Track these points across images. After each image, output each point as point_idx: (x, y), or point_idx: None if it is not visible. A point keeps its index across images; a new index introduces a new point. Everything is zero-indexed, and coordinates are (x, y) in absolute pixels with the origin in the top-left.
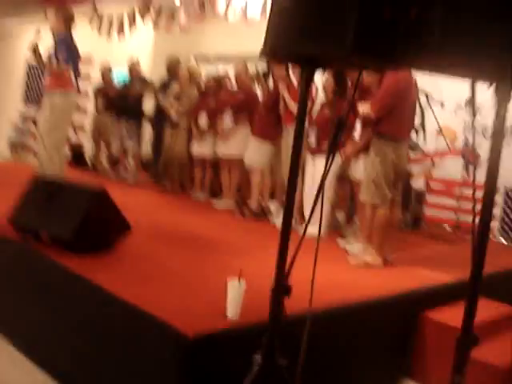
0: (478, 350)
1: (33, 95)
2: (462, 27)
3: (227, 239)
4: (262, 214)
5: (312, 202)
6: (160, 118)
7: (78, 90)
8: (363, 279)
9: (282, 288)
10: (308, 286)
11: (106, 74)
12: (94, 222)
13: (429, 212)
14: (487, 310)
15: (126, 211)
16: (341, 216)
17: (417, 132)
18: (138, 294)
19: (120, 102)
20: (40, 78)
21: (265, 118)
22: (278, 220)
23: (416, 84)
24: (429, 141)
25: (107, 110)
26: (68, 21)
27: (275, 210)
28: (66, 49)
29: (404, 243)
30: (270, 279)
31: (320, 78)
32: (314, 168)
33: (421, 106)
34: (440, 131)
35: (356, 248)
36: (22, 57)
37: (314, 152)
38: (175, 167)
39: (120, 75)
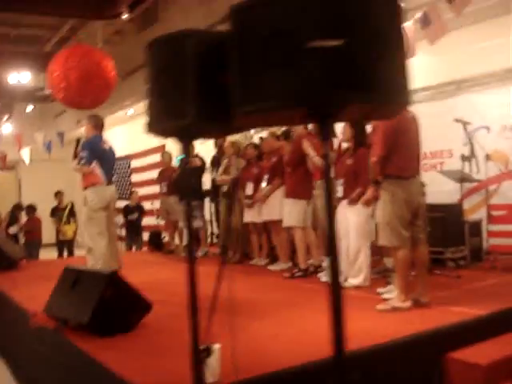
0: None
1: (121, 186)
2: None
3: (258, 301)
4: (312, 272)
5: (346, 250)
6: (216, 194)
7: (109, 183)
8: (382, 325)
9: (197, 353)
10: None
11: (166, 157)
12: (109, 304)
13: (495, 242)
14: None
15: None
16: (389, 262)
17: (469, 161)
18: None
19: (181, 182)
20: (125, 171)
21: (293, 177)
22: (324, 277)
23: (415, 118)
24: (481, 169)
25: (171, 192)
26: (99, 126)
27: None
28: (90, 150)
29: (456, 281)
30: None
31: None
32: (346, 217)
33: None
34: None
35: (389, 294)
36: None
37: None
38: (235, 237)
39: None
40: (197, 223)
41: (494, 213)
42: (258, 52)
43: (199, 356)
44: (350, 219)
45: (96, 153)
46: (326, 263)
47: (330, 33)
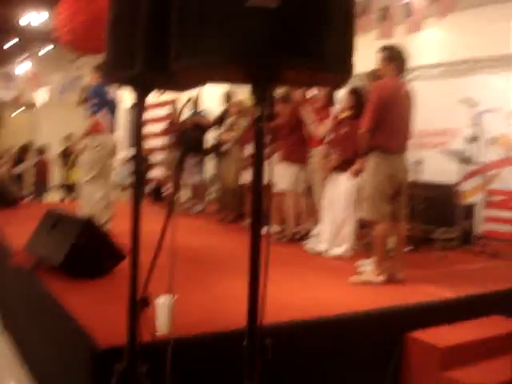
0: None
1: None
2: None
3: (235, 260)
4: (298, 239)
5: (331, 219)
6: (218, 151)
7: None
8: (350, 296)
9: (135, 301)
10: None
11: (176, 110)
12: (82, 249)
13: (491, 227)
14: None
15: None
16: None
17: (473, 143)
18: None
19: (182, 136)
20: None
21: (288, 141)
22: (308, 245)
23: (409, 94)
24: (483, 152)
25: (177, 145)
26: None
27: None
28: (99, 98)
29: (440, 261)
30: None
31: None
32: (335, 186)
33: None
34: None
35: (368, 266)
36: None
37: (336, 170)
38: (229, 196)
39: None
40: (195, 178)
41: (493, 198)
42: (198, 5)
43: (135, 307)
44: (339, 188)
45: (104, 101)
46: (314, 231)
47: None
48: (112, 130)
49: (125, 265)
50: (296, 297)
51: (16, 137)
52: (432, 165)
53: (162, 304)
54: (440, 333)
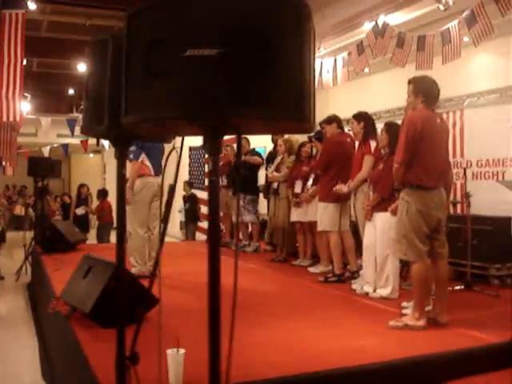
0: None
1: (196, 176)
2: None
3: (273, 303)
4: (348, 278)
5: (373, 259)
6: (268, 190)
7: (157, 174)
8: (387, 343)
9: (123, 360)
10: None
11: (229, 150)
12: (112, 296)
13: None
14: None
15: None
16: None
17: None
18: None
19: (233, 176)
20: (200, 161)
21: (322, 179)
22: (355, 285)
23: (442, 124)
24: None
25: (230, 185)
26: None
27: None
28: (136, 144)
29: (492, 301)
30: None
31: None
32: (374, 225)
33: None
34: None
35: (409, 309)
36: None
37: (375, 208)
38: (281, 235)
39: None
40: (250, 217)
41: None
42: (142, 61)
43: (123, 363)
44: (377, 227)
45: (142, 146)
46: (362, 270)
47: (209, 41)
48: (156, 172)
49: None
50: (334, 344)
51: (88, 179)
52: (486, 196)
53: (172, 356)
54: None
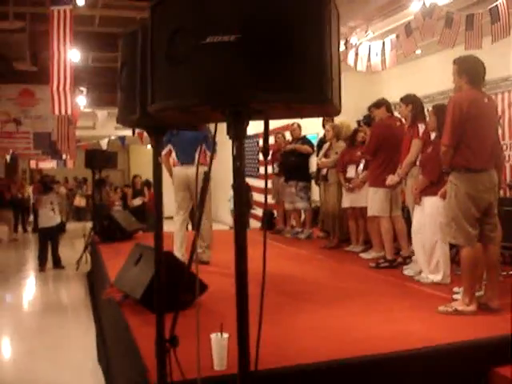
0: None
1: (249, 164)
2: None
3: (325, 288)
4: (399, 263)
5: (422, 245)
6: (318, 176)
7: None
8: (435, 329)
9: (163, 343)
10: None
11: (281, 138)
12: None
13: None
14: None
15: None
16: None
17: None
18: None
19: (286, 164)
20: (254, 149)
21: (372, 164)
22: (407, 270)
23: (492, 103)
24: None
25: (280, 173)
26: None
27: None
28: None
29: None
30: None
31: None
32: (423, 210)
33: None
34: None
35: (460, 294)
36: None
37: (424, 192)
38: (332, 221)
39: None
40: (302, 204)
41: None
42: (165, 48)
43: (163, 347)
44: (425, 212)
45: (166, 137)
46: (414, 256)
47: (228, 28)
48: (184, 161)
49: (206, 297)
50: (382, 329)
51: (147, 170)
52: None
53: (215, 340)
54: None
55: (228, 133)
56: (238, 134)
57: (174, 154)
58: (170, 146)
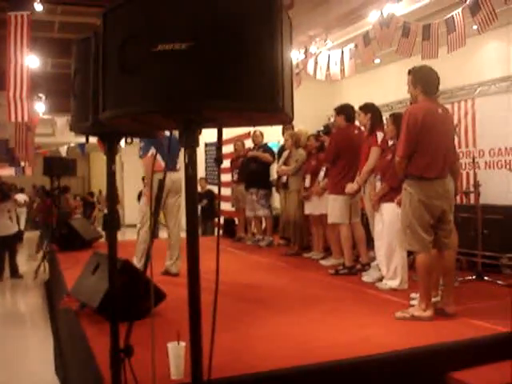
0: None
1: (212, 172)
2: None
3: (283, 296)
4: (358, 270)
5: (383, 251)
6: (278, 184)
7: (171, 169)
8: (392, 334)
9: (117, 352)
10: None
11: (239, 145)
12: (119, 292)
13: None
14: None
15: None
16: None
17: None
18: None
19: (246, 171)
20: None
21: (332, 172)
22: (366, 277)
23: (444, 114)
24: None
25: (241, 181)
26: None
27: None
28: (146, 140)
29: (504, 291)
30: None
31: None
32: (382, 216)
33: None
34: None
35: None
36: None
37: (383, 199)
38: (292, 228)
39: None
40: (263, 212)
41: None
42: (116, 56)
43: (118, 357)
44: (384, 218)
45: (152, 141)
46: (372, 262)
47: (178, 36)
48: (170, 167)
49: (164, 306)
50: (340, 335)
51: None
52: (499, 186)
53: (172, 349)
54: (485, 373)
55: (180, 141)
56: (190, 142)
57: (159, 159)
58: (153, 150)
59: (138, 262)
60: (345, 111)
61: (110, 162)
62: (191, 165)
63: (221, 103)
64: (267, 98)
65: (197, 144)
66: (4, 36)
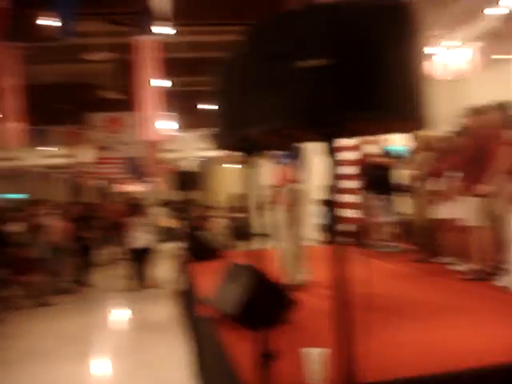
0: None
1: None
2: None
3: (416, 301)
4: (491, 274)
5: None
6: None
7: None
8: None
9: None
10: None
11: (363, 154)
12: (253, 300)
13: None
14: None
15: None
16: None
17: None
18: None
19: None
20: None
21: (466, 173)
22: (498, 282)
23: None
24: None
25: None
26: None
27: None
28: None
29: None
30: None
31: None
32: None
33: None
34: None
35: None
36: None
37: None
38: (420, 234)
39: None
40: (388, 218)
41: None
42: (255, 74)
43: (263, 361)
44: None
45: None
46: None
47: (320, 53)
48: (299, 178)
49: (298, 314)
50: (478, 342)
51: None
52: None
53: (309, 356)
54: None
55: (321, 151)
56: (331, 152)
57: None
58: (285, 160)
59: (287, 272)
60: (476, 112)
61: (255, 174)
62: (334, 174)
63: (362, 115)
64: (403, 107)
65: (335, 154)
66: (133, 60)
